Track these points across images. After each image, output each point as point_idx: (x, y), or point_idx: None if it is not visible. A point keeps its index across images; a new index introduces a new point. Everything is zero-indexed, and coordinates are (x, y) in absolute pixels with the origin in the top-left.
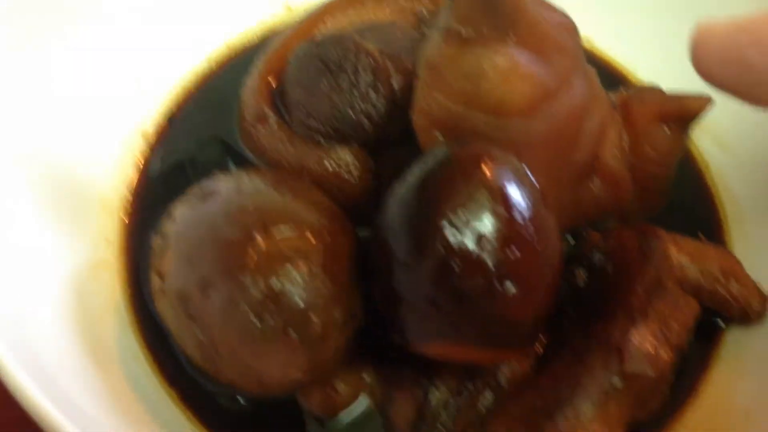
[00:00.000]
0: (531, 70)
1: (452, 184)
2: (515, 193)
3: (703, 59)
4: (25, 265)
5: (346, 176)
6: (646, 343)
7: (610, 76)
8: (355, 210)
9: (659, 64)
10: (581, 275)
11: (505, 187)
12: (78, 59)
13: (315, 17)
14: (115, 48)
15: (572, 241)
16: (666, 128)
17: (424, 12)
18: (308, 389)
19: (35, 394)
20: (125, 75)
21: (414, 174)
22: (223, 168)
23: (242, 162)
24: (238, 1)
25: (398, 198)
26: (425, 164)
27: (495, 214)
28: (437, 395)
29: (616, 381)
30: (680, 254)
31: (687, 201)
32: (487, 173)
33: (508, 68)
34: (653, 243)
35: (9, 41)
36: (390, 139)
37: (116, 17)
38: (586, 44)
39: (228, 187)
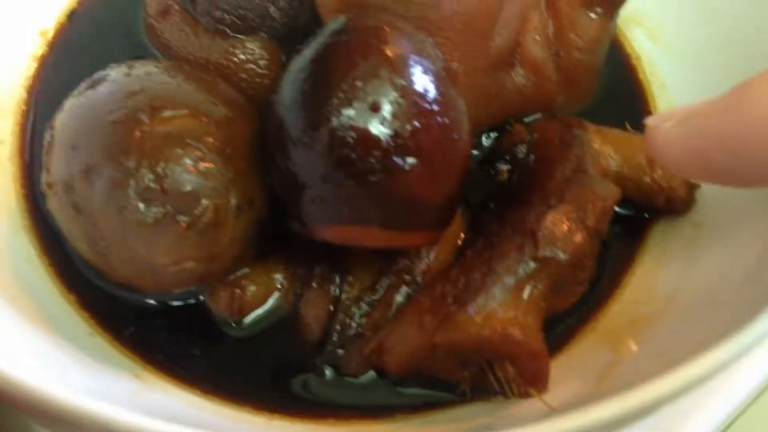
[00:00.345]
0: None
1: (348, 53)
2: (416, 64)
3: (663, 158)
4: None
5: (254, 68)
6: (560, 225)
7: None
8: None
9: None
10: (504, 170)
11: (405, 57)
12: None
13: None
14: None
15: (496, 137)
16: (591, 13)
17: None
18: (215, 291)
19: None
20: None
21: (310, 46)
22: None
23: (147, 53)
24: None
25: (293, 72)
26: (321, 36)
27: (393, 85)
28: (350, 292)
29: (530, 265)
30: (605, 144)
31: (617, 94)
32: (387, 43)
33: None
34: (576, 132)
35: None
36: (300, 29)
37: None
38: None
39: (117, 72)
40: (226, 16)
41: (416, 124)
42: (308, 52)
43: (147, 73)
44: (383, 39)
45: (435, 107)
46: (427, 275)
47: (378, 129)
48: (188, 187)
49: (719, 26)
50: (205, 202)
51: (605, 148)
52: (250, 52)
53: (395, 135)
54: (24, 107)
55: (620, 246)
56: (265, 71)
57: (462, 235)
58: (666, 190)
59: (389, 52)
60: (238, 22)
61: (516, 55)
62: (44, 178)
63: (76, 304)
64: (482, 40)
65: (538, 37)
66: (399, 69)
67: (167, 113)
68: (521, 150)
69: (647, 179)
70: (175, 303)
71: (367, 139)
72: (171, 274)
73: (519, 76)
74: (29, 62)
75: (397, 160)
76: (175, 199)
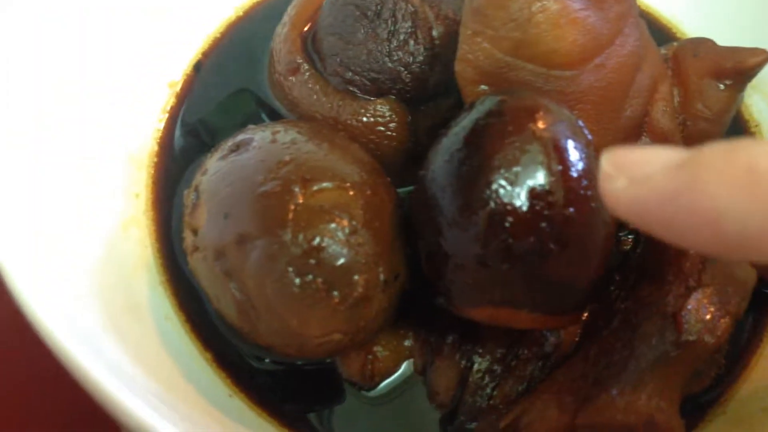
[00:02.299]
0: (583, 16)
1: (504, 136)
2: (570, 148)
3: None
4: (55, 225)
5: (384, 130)
6: (704, 310)
7: (656, 32)
8: (392, 165)
9: (705, 19)
10: (628, 240)
11: (560, 141)
12: (105, 9)
13: None
14: None
15: None
16: (720, 84)
17: None
18: (348, 354)
19: (75, 352)
20: (152, 24)
21: (462, 125)
22: (254, 120)
23: (274, 114)
24: None
25: (445, 151)
26: (474, 115)
27: (549, 170)
28: (481, 363)
29: (672, 350)
30: None
31: None
32: (541, 126)
33: (560, 13)
34: None
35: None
36: (429, 91)
37: None
38: None
39: (263, 138)
40: (357, 78)
41: (571, 209)
42: (462, 131)
43: (293, 140)
44: (539, 121)
45: (588, 192)
46: (558, 349)
47: (536, 215)
48: (341, 262)
49: None
50: (356, 277)
51: None
52: (380, 115)
53: (551, 220)
54: (156, 159)
55: (749, 324)
56: (394, 133)
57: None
58: None
59: (546, 136)
60: (369, 84)
61: (644, 125)
62: (188, 239)
63: (213, 362)
64: (616, 111)
65: (666, 108)
66: (556, 154)
67: (319, 186)
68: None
69: None
70: (306, 365)
71: (524, 224)
72: (317, 345)
73: (645, 144)
74: (160, 115)
75: (553, 245)
76: (329, 274)
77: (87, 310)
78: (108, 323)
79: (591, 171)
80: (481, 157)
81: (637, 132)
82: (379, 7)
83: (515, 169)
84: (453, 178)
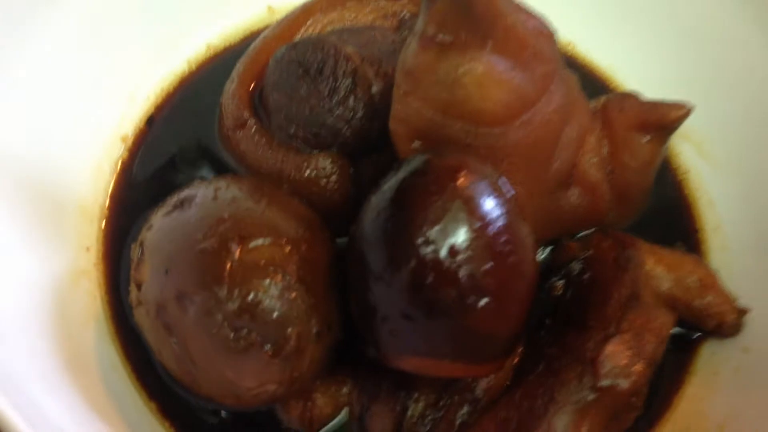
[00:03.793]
0: (508, 77)
1: (427, 195)
2: (490, 206)
3: None
4: (2, 276)
5: (325, 183)
6: (620, 356)
7: (592, 81)
8: (335, 216)
9: (640, 68)
10: (558, 286)
11: (479, 199)
12: (53, 60)
13: (295, 19)
14: (93, 48)
15: (549, 251)
16: (645, 137)
17: (406, 14)
18: (287, 402)
19: (5, 408)
20: (103, 77)
21: (389, 184)
22: (203, 173)
23: (222, 167)
24: (221, 1)
25: (373, 209)
26: (401, 174)
27: (469, 227)
28: (414, 408)
29: (590, 394)
30: (657, 266)
31: (666, 207)
32: (463, 184)
33: (485, 75)
34: (630, 253)
35: None
36: (370, 144)
37: (93, 16)
38: (567, 49)
39: (205, 195)
40: (300, 133)
41: (490, 264)
42: (388, 191)
43: (233, 198)
44: (460, 180)
45: (508, 247)
46: (488, 393)
47: (455, 270)
48: (275, 316)
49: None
50: (289, 330)
51: (657, 268)
52: (321, 168)
53: (471, 276)
54: (107, 213)
55: (670, 366)
56: (336, 185)
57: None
58: (716, 314)
59: (466, 194)
60: (311, 138)
61: (572, 176)
62: (133, 293)
63: (158, 412)
64: (544, 164)
65: (594, 159)
66: (476, 212)
67: (255, 243)
68: (576, 266)
69: (698, 303)
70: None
71: (445, 280)
72: (253, 396)
73: (574, 195)
74: (112, 168)
75: (472, 299)
76: (263, 328)
77: (31, 363)
78: (52, 376)
79: (510, 226)
80: (405, 215)
81: (566, 182)
82: (320, 66)
83: (437, 227)
84: (379, 234)
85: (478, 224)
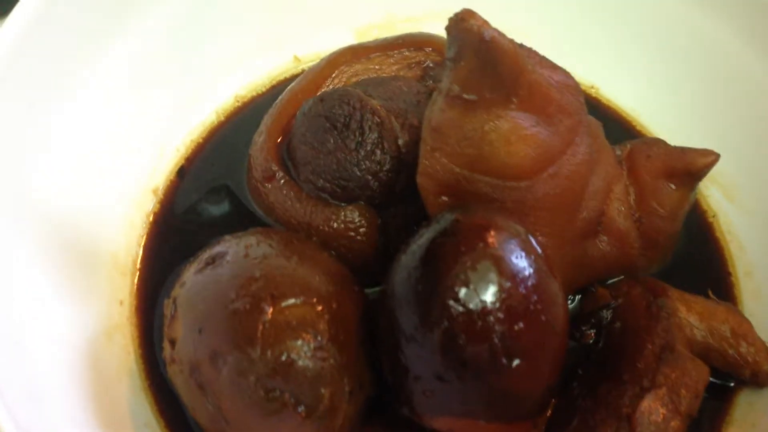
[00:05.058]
0: (533, 132)
1: (457, 256)
2: (520, 265)
3: None
4: (37, 331)
5: (354, 235)
6: (656, 412)
7: (616, 125)
8: (364, 267)
9: (664, 111)
10: (590, 334)
11: (509, 258)
12: (86, 115)
13: (321, 71)
14: (123, 101)
15: (579, 299)
16: (672, 184)
17: (430, 63)
18: None
19: None
20: (133, 129)
21: (418, 244)
22: (234, 224)
23: (253, 218)
24: (247, 51)
25: (403, 269)
26: (429, 234)
27: (499, 287)
28: None
29: None
30: (689, 314)
31: (696, 253)
32: (492, 244)
33: (510, 132)
34: (662, 302)
35: (15, 98)
36: (397, 195)
37: (125, 71)
38: (591, 92)
39: (236, 252)
40: (328, 185)
41: (521, 324)
42: (418, 250)
43: (264, 255)
44: (489, 240)
45: (538, 306)
46: None
47: (487, 331)
48: (308, 377)
49: None
50: (322, 390)
51: (690, 317)
52: (350, 221)
53: (503, 336)
54: (140, 266)
55: (707, 415)
56: (365, 237)
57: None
58: (751, 363)
59: (496, 254)
60: (339, 191)
61: (600, 224)
62: (167, 350)
63: None
64: (572, 215)
65: (622, 207)
66: (506, 272)
67: (286, 302)
68: (606, 314)
69: (732, 352)
70: None
71: (477, 340)
72: None
73: (603, 243)
74: (144, 220)
75: (505, 360)
76: (296, 389)
77: (67, 421)
78: None
79: (541, 285)
80: (435, 276)
81: (594, 231)
82: (347, 119)
83: (467, 287)
84: (410, 295)
85: (508, 284)
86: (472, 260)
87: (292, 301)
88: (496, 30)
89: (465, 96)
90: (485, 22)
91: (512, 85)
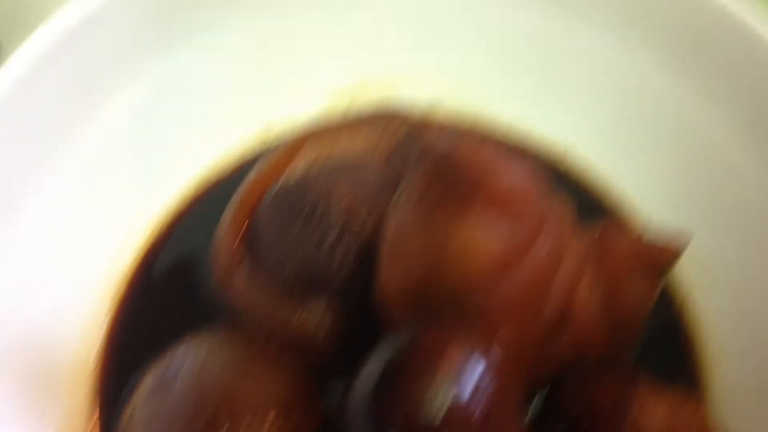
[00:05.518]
0: (495, 236)
1: (414, 377)
2: (475, 383)
3: None
4: None
5: (318, 327)
6: None
7: (588, 196)
8: (328, 358)
9: (639, 180)
10: (557, 431)
11: (465, 377)
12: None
13: (289, 151)
14: (83, 197)
15: (544, 394)
16: (641, 272)
17: (399, 139)
18: None
19: None
20: (90, 229)
21: (374, 362)
22: (199, 316)
23: (218, 309)
24: (216, 123)
25: (362, 386)
26: (385, 354)
27: (455, 409)
28: None
29: None
30: (658, 406)
31: (666, 334)
32: (449, 363)
33: (470, 238)
34: (629, 398)
35: None
36: (363, 283)
37: (85, 156)
38: (564, 159)
39: (190, 371)
40: (293, 277)
41: None
42: (375, 368)
43: (219, 374)
44: (445, 360)
45: (492, 425)
46: None
47: None
48: None
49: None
50: None
51: (659, 409)
52: (315, 312)
53: None
54: (99, 371)
55: None
56: (328, 331)
57: None
58: None
59: (452, 372)
60: (304, 282)
61: (566, 317)
62: None
63: None
64: (535, 314)
65: (589, 296)
66: (462, 391)
67: (243, 423)
68: (573, 410)
69: None
70: None
71: None
72: None
73: (569, 334)
74: (102, 319)
75: None
76: None
77: None
78: None
79: (493, 408)
80: (390, 397)
81: (559, 325)
82: (311, 209)
83: (423, 407)
84: (366, 412)
85: (462, 405)
86: (429, 379)
87: (248, 418)
88: (455, 137)
89: (424, 203)
90: (443, 131)
91: (472, 191)
